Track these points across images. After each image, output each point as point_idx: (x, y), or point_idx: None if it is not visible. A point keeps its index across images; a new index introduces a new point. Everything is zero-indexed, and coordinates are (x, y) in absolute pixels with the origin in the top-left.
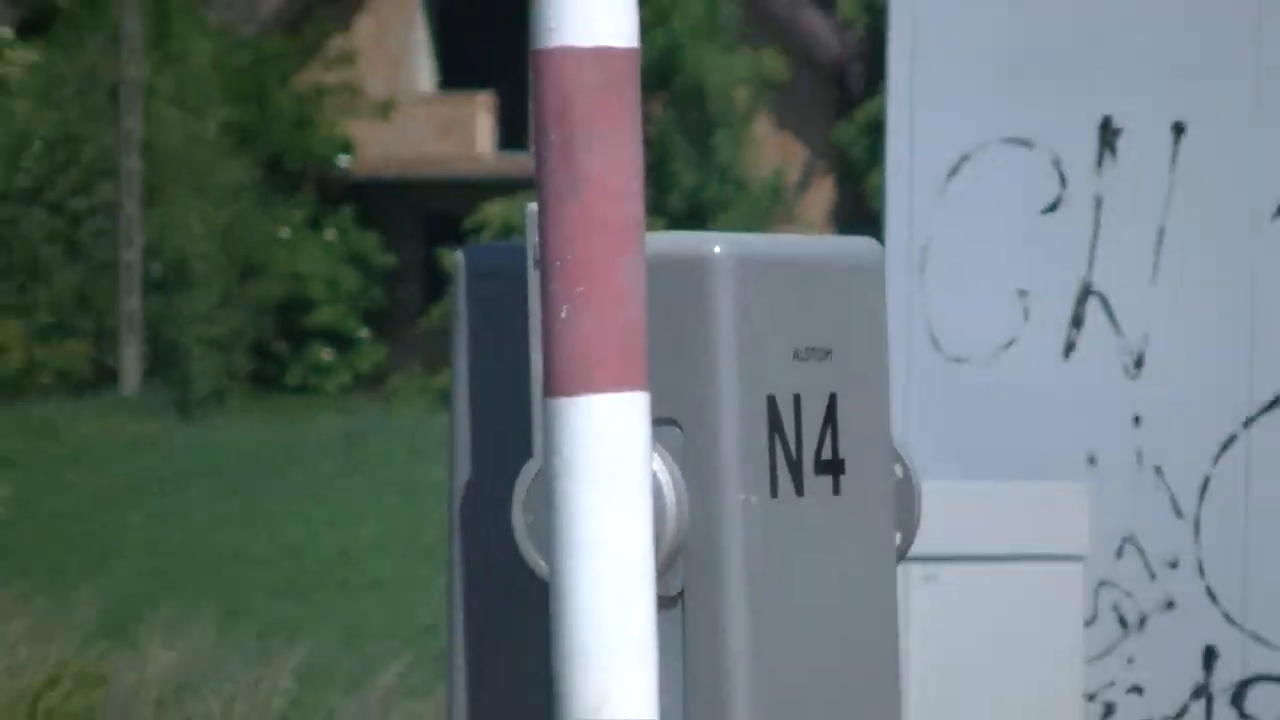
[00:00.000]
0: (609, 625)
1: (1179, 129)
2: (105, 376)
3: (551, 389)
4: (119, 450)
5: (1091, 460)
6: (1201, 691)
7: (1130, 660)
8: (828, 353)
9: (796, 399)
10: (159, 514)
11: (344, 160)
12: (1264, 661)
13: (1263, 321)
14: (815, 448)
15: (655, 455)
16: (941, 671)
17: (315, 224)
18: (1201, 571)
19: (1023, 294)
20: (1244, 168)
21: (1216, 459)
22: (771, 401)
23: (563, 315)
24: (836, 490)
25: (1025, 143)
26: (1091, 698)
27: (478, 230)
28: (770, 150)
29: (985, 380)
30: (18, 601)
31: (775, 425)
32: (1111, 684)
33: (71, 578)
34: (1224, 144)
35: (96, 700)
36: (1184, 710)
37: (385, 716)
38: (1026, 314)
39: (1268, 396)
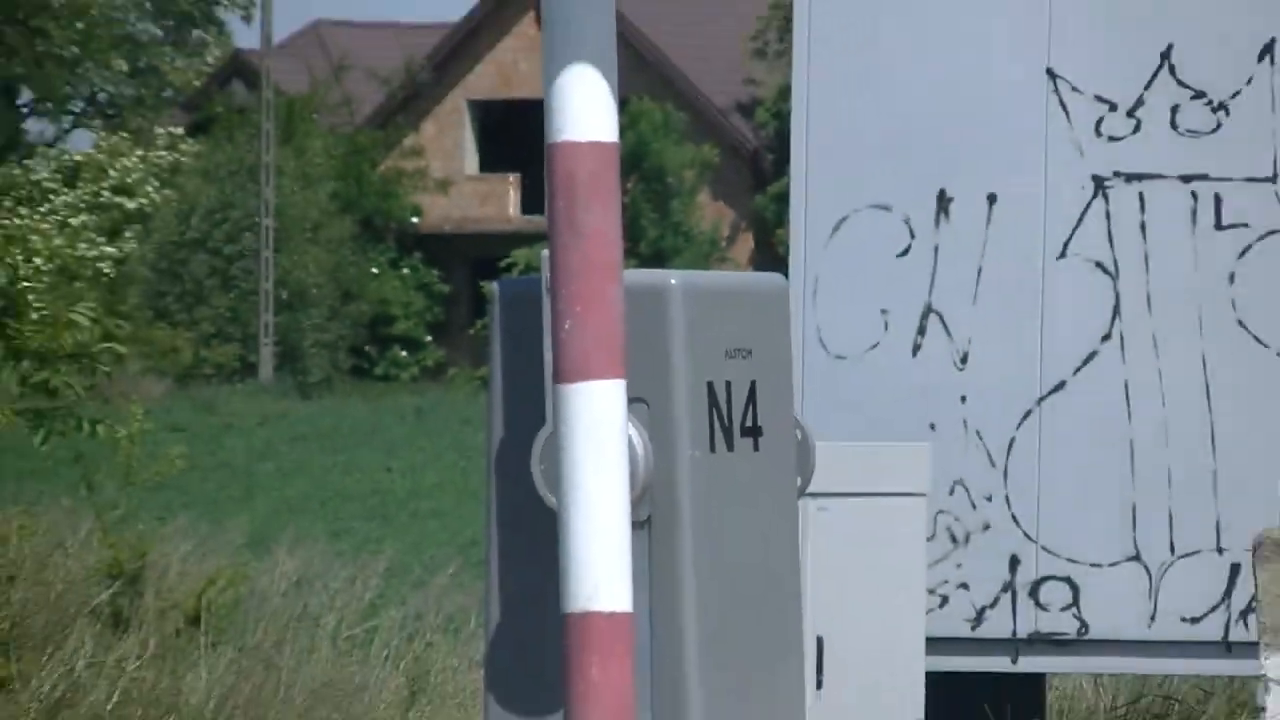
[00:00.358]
0: (597, 541)
1: (991, 198)
2: (249, 370)
3: (559, 378)
4: (258, 421)
5: (932, 426)
6: (1008, 587)
7: (959, 565)
8: (749, 352)
9: (728, 384)
10: (286, 466)
11: (415, 220)
12: (1052, 566)
13: (1049, 330)
14: (741, 418)
15: (630, 423)
16: (828, 573)
17: (395, 264)
18: (1008, 503)
19: (884, 312)
20: (1036, 225)
21: (1018, 426)
22: (710, 386)
23: (566, 327)
24: (756, 448)
25: (885, 207)
26: (932, 591)
27: (508, 269)
28: (709, 214)
29: (858, 371)
30: (188, 527)
31: (713, 403)
32: (946, 581)
33: (226, 509)
34: (1022, 208)
35: (242, 594)
36: (996, 600)
37: (441, 604)
38: (886, 325)
39: (1053, 382)
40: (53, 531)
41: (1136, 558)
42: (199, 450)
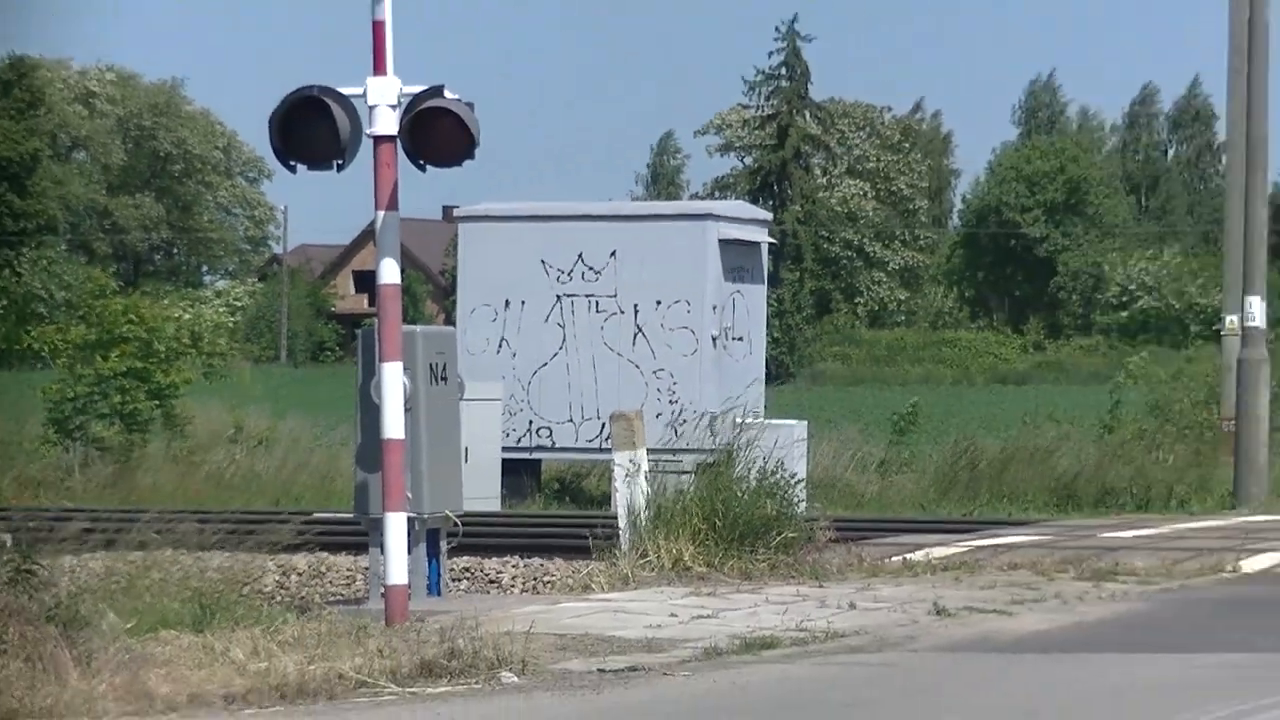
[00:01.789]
0: (392, 413)
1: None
2: None
3: (381, 359)
4: None
5: (503, 377)
6: (528, 428)
7: (511, 416)
8: (444, 353)
9: (439, 365)
10: None
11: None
12: (541, 423)
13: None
14: (440, 374)
15: (403, 375)
16: (467, 424)
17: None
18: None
19: (486, 339)
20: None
21: (531, 377)
22: (431, 365)
23: (380, 345)
24: (445, 382)
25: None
26: (505, 433)
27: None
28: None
29: (482, 360)
30: None
31: (432, 370)
32: (512, 429)
33: None
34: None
35: None
36: (524, 434)
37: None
38: (486, 344)
39: (541, 363)
40: None
41: (571, 420)
42: None
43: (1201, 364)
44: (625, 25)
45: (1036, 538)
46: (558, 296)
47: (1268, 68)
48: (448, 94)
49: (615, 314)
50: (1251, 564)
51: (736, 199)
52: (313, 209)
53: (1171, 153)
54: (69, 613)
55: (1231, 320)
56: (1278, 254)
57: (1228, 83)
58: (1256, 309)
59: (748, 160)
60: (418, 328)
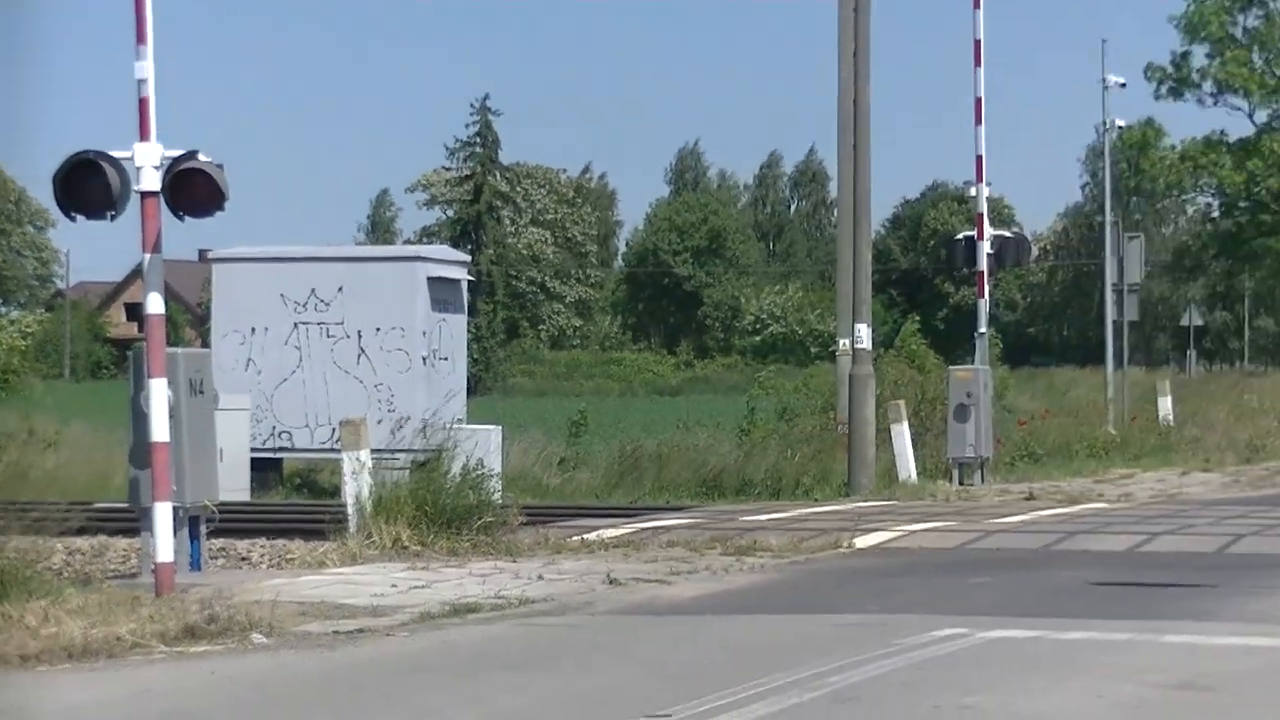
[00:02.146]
0: (158, 421)
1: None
2: None
3: (150, 375)
4: None
5: (250, 392)
6: (271, 432)
7: (257, 423)
8: (200, 370)
9: (197, 380)
10: None
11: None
12: (281, 428)
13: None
14: (198, 387)
15: (166, 388)
16: (221, 430)
17: None
18: (272, 411)
19: (248, 360)
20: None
21: (275, 390)
22: (190, 381)
23: (145, 363)
24: (203, 393)
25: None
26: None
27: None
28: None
29: (233, 375)
30: None
31: (191, 385)
32: (257, 433)
33: None
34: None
35: None
36: (269, 436)
37: None
38: (246, 365)
39: (281, 379)
40: None
41: (307, 426)
42: None
43: (820, 379)
44: (349, 98)
45: (690, 521)
46: (295, 324)
47: (869, 139)
48: (202, 157)
49: (343, 338)
50: (863, 541)
51: (441, 244)
52: (90, 250)
53: (794, 207)
54: None
55: (844, 343)
56: (879, 289)
57: (837, 150)
58: (864, 334)
59: (449, 212)
60: (179, 350)
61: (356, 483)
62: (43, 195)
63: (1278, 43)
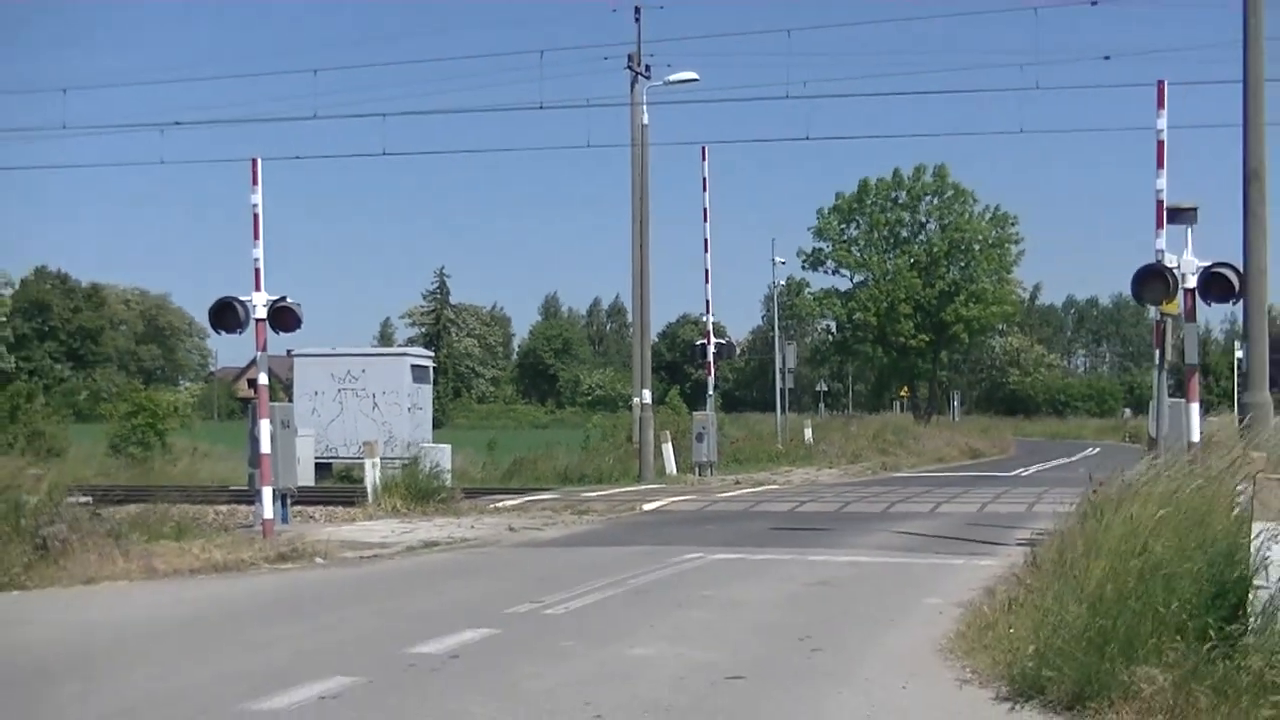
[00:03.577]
0: (265, 445)
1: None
2: None
3: (259, 415)
4: None
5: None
6: None
7: None
8: (289, 423)
9: (282, 421)
10: None
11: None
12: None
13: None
14: (285, 424)
15: (271, 425)
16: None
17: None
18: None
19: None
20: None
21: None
22: (282, 420)
23: (255, 409)
24: (288, 427)
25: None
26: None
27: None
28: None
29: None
30: None
31: (283, 422)
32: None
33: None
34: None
35: None
36: None
37: None
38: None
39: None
40: None
41: (345, 444)
42: None
43: (624, 419)
44: (367, 266)
45: (553, 497)
46: (339, 389)
47: (649, 289)
48: (289, 299)
49: (365, 397)
50: (648, 506)
51: (418, 346)
52: (228, 350)
53: (609, 326)
54: (117, 531)
55: (637, 400)
56: (656, 371)
57: (632, 295)
58: (647, 395)
59: (422, 329)
60: (275, 404)
61: (372, 475)
62: (201, 318)
63: (861, 242)
